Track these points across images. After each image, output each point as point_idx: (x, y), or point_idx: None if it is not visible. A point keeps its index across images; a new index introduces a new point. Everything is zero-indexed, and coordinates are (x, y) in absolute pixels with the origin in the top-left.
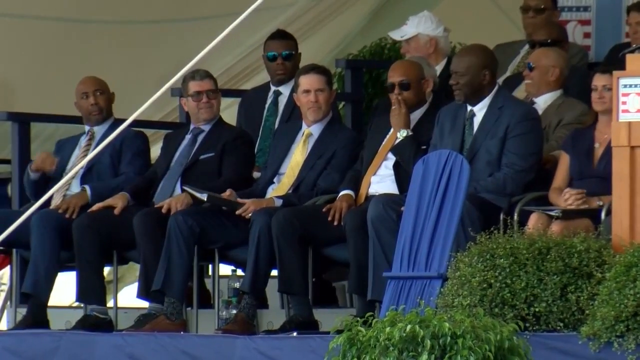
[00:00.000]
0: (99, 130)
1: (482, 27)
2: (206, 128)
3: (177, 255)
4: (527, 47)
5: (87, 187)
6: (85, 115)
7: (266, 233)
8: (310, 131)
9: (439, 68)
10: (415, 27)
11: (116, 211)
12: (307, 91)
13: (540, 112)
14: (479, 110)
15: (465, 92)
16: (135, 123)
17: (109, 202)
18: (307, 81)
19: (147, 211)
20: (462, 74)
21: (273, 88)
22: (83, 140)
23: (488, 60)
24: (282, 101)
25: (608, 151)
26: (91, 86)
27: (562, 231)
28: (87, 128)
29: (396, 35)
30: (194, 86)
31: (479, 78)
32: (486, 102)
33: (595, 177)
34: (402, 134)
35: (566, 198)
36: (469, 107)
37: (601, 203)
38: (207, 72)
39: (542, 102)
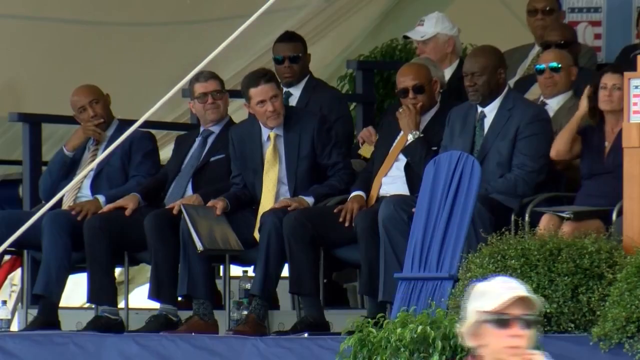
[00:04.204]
0: (105, 134)
1: (492, 28)
2: (216, 130)
3: (195, 257)
4: (536, 49)
5: (100, 198)
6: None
7: (275, 235)
8: (275, 132)
9: (452, 68)
10: (434, 27)
11: (127, 212)
12: (262, 101)
13: (551, 113)
14: (490, 112)
15: (483, 92)
16: (146, 124)
17: (119, 203)
18: (259, 92)
19: (158, 212)
20: (479, 74)
21: (285, 89)
22: (91, 143)
23: (501, 60)
24: (293, 102)
25: (616, 146)
26: (86, 98)
27: (573, 232)
28: None
29: (416, 35)
30: (199, 88)
31: (495, 77)
32: (496, 103)
33: (605, 173)
34: (412, 135)
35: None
36: (480, 108)
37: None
38: (212, 73)
39: (555, 103)
